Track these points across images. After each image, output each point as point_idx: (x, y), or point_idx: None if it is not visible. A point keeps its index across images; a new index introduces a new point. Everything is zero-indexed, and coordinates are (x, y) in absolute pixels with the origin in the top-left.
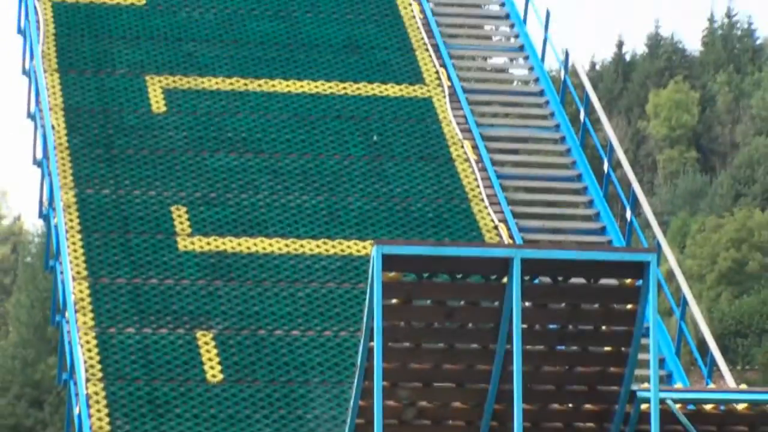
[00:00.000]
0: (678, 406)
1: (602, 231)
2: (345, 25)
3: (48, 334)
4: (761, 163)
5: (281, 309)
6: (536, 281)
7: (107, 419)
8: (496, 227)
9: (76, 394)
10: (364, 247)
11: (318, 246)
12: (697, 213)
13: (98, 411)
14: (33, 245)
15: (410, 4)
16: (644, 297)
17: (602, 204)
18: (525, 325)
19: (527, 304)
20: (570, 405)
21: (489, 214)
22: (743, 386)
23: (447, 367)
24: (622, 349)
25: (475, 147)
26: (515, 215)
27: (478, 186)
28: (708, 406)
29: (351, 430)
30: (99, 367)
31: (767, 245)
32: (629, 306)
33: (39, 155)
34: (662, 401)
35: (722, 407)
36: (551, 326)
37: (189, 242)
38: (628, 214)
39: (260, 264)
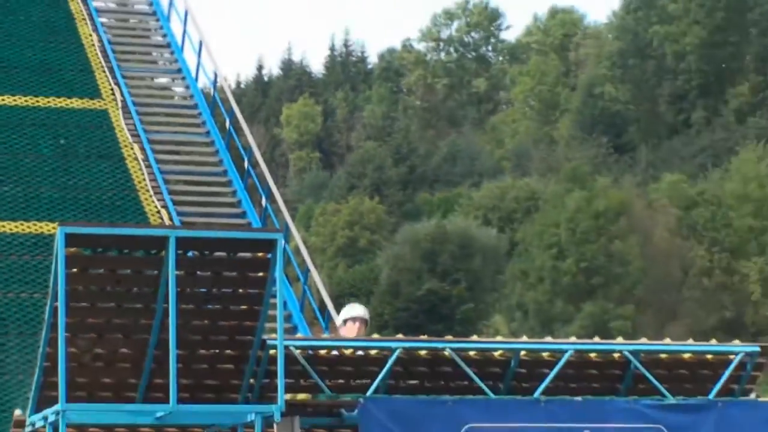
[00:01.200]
0: (299, 351)
1: (244, 215)
2: (38, 51)
3: None
4: (370, 161)
5: None
6: (189, 254)
7: None
8: (158, 212)
9: None
10: (54, 228)
11: (17, 226)
12: (320, 201)
13: None
14: None
15: (90, 35)
16: (273, 266)
17: (243, 194)
18: (179, 289)
19: (180, 272)
20: (215, 351)
21: (153, 202)
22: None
23: (117, 321)
24: (255, 307)
25: (142, 149)
26: (175, 203)
27: (144, 180)
28: (322, 351)
29: (40, 371)
30: None
31: (374, 226)
32: (261, 273)
33: None
34: (287, 347)
35: (334, 351)
36: (199, 290)
37: None
38: (264, 201)
39: None
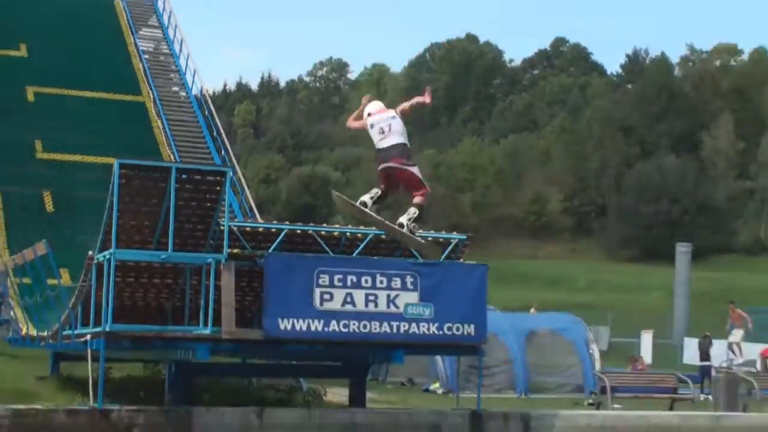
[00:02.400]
0: (236, 228)
1: (211, 159)
2: (116, 69)
3: None
4: (278, 136)
5: None
6: (183, 176)
7: None
8: (170, 156)
9: None
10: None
11: (96, 159)
12: (252, 155)
13: None
14: None
15: (139, 65)
16: (225, 184)
17: (213, 150)
18: (177, 194)
19: (177, 185)
20: (194, 226)
21: (168, 149)
22: None
23: (143, 210)
24: (215, 205)
25: (162, 124)
26: (179, 152)
27: (163, 139)
28: (248, 229)
29: (102, 234)
30: None
31: (279, 169)
32: (218, 188)
33: None
34: (230, 227)
35: (254, 229)
36: (186, 194)
37: None
38: (224, 153)
39: None
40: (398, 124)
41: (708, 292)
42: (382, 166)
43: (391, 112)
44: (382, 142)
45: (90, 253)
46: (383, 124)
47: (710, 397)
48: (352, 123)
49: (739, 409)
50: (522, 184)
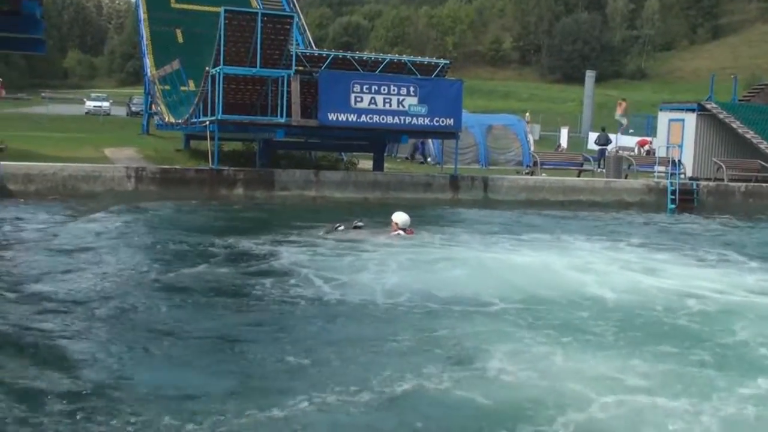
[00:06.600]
0: (300, 54)
1: (284, 9)
2: None
3: None
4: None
5: None
6: (267, 16)
7: None
8: (257, 8)
9: None
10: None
11: (213, 10)
12: (311, 9)
13: None
14: None
15: None
16: (293, 24)
17: (287, 5)
18: (263, 34)
19: (262, 24)
20: (276, 51)
21: (256, 8)
22: None
23: (241, 49)
24: (288, 37)
25: None
26: (264, 8)
27: (257, 5)
28: (307, 54)
29: (215, 55)
30: None
31: (326, 19)
32: (288, 27)
33: None
34: (297, 53)
35: (313, 54)
36: (266, 33)
37: None
38: (295, 10)
39: None
40: None
41: (605, 103)
42: None
43: None
44: None
45: (207, 68)
46: None
47: (604, 170)
48: None
49: (622, 177)
50: (486, 30)
